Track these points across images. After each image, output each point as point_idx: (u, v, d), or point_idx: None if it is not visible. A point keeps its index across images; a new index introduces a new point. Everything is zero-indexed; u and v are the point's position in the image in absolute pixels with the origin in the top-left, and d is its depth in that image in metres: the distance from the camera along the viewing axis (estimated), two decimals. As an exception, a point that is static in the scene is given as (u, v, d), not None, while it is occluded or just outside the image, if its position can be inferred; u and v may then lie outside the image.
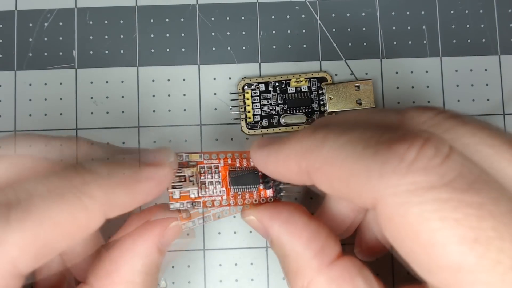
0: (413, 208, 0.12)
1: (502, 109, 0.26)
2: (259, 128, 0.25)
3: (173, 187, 0.17)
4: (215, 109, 0.25)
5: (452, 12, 0.26)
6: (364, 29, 0.26)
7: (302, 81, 0.25)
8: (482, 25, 0.26)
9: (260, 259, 0.24)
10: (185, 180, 0.17)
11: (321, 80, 0.25)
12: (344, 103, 0.25)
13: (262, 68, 0.26)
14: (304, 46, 0.26)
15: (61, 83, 0.25)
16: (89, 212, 0.14)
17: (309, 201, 0.25)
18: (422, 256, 0.12)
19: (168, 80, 0.26)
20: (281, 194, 0.19)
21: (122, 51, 0.26)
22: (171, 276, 0.24)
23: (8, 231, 0.13)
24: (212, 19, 0.26)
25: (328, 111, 0.25)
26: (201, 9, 0.26)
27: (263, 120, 0.25)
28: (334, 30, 0.26)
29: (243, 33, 0.26)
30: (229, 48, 0.26)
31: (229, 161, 0.18)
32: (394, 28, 0.26)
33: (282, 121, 0.25)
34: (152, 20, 0.26)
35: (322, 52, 0.26)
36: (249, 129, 0.25)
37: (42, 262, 0.14)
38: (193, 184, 0.17)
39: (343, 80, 0.26)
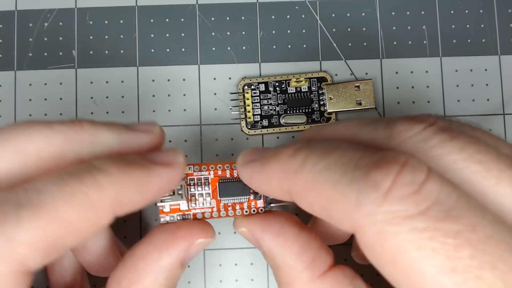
0: (390, 238, 0.12)
1: (502, 109, 0.26)
2: (259, 128, 0.25)
3: (161, 201, 0.17)
4: (215, 109, 0.25)
5: (452, 12, 0.26)
6: (364, 29, 0.26)
7: (302, 81, 0.25)
8: (482, 25, 0.26)
9: (260, 259, 0.24)
10: (173, 194, 0.17)
11: (321, 80, 0.25)
12: (344, 103, 0.25)
13: (262, 68, 0.26)
14: (304, 46, 0.26)
15: (61, 83, 0.25)
16: (98, 210, 0.14)
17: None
18: (402, 282, 0.12)
19: (168, 80, 0.26)
20: (272, 205, 0.18)
21: (122, 51, 0.26)
22: (171, 276, 0.24)
23: (19, 230, 0.13)
24: (212, 19, 0.26)
25: (328, 111, 0.25)
26: (201, 9, 0.26)
27: (263, 120, 0.25)
28: (334, 30, 0.26)
29: (243, 33, 0.26)
30: (229, 48, 0.26)
31: (219, 173, 0.18)
32: (394, 28, 0.26)
33: (282, 121, 0.25)
34: (152, 20, 0.26)
35: (322, 52, 0.26)
36: (249, 129, 0.25)
37: (51, 259, 0.14)
38: (182, 197, 0.17)
39: (343, 80, 0.26)
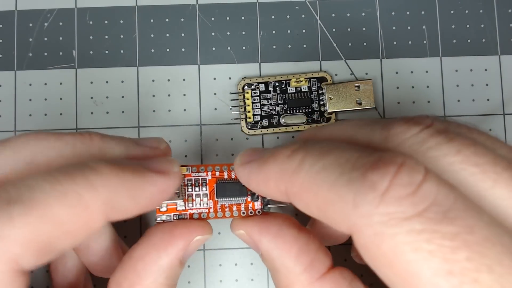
0: (387, 239, 0.12)
1: (502, 109, 0.26)
2: (259, 128, 0.25)
3: None
4: (215, 109, 0.25)
5: (452, 12, 0.26)
6: (364, 29, 0.26)
7: (302, 81, 0.25)
8: (482, 25, 0.26)
9: (260, 259, 0.24)
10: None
11: (321, 80, 0.25)
12: (344, 103, 0.25)
13: (262, 68, 0.26)
14: (304, 46, 0.26)
15: (61, 83, 0.25)
16: (90, 211, 0.14)
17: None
18: (399, 284, 0.12)
19: (168, 80, 0.26)
20: (269, 206, 0.18)
21: (122, 51, 0.26)
22: (171, 276, 0.24)
23: (10, 227, 0.13)
24: (212, 19, 0.26)
25: (328, 111, 0.25)
26: (201, 9, 0.26)
27: (263, 120, 0.25)
28: (334, 30, 0.26)
29: (243, 33, 0.26)
30: (229, 48, 0.26)
31: (217, 174, 0.18)
32: (394, 28, 0.26)
33: (282, 121, 0.25)
34: (152, 20, 0.26)
35: (322, 52, 0.26)
36: (249, 129, 0.25)
37: (45, 260, 0.14)
38: (178, 197, 0.17)
39: (343, 80, 0.26)
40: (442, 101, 0.26)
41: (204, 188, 0.18)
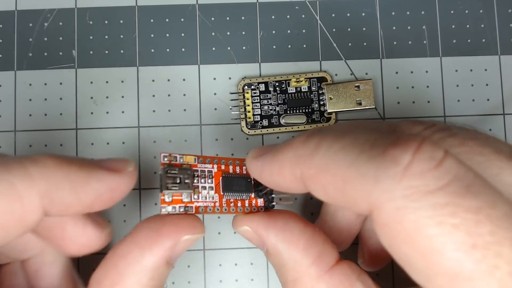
0: (409, 214, 0.12)
1: (502, 109, 0.26)
2: (259, 128, 0.25)
3: (167, 188, 0.16)
4: (215, 109, 0.25)
5: (452, 12, 0.26)
6: (364, 29, 0.26)
7: (302, 81, 0.25)
8: (482, 25, 0.26)
9: (260, 259, 0.24)
10: (180, 182, 0.17)
11: (321, 80, 0.25)
12: (344, 103, 0.25)
13: (262, 68, 0.26)
14: (304, 46, 0.26)
15: (61, 83, 0.25)
16: (24, 203, 0.14)
17: (309, 202, 0.25)
18: (419, 262, 0.12)
19: (168, 80, 0.26)
20: (273, 203, 0.18)
21: (122, 51, 0.26)
22: (171, 276, 0.24)
23: None
24: (212, 19, 0.26)
25: (328, 111, 0.25)
26: (201, 9, 0.26)
27: (263, 120, 0.25)
28: (334, 30, 0.26)
29: (243, 33, 0.26)
30: (229, 48, 0.26)
31: (223, 167, 0.18)
32: (394, 28, 0.26)
33: (282, 121, 0.25)
34: (152, 20, 0.26)
35: (322, 52, 0.26)
36: (249, 129, 0.25)
37: None
38: (189, 187, 0.17)
39: (343, 80, 0.26)
40: (442, 101, 0.26)
41: (209, 181, 0.18)
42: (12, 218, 0.14)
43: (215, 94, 0.25)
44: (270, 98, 0.25)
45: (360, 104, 0.25)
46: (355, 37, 0.26)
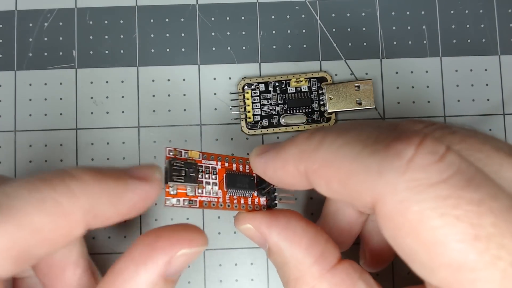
0: (413, 206, 0.12)
1: (502, 109, 0.26)
2: (259, 128, 0.25)
3: (172, 180, 0.16)
4: (215, 109, 0.25)
5: (452, 12, 0.26)
6: (364, 29, 0.26)
7: (302, 81, 0.25)
8: (482, 25, 0.26)
9: (260, 259, 0.24)
10: (185, 175, 0.17)
11: (321, 80, 0.25)
12: (344, 103, 0.25)
13: (262, 68, 0.26)
14: (304, 46, 0.26)
15: (61, 83, 0.25)
16: (70, 219, 0.14)
17: (309, 201, 0.25)
18: (422, 255, 0.12)
19: (168, 80, 0.26)
20: (275, 202, 0.18)
21: (122, 51, 0.26)
22: (171, 276, 0.24)
23: None
24: (212, 19, 0.26)
25: (328, 111, 0.25)
26: (201, 9, 0.26)
27: (263, 120, 0.25)
28: (334, 30, 0.26)
29: (243, 33, 0.26)
30: (229, 48, 0.26)
31: (226, 165, 0.18)
32: (394, 28, 0.26)
33: (282, 121, 0.25)
34: (152, 20, 0.26)
35: (322, 52, 0.26)
36: (249, 129, 0.25)
37: (22, 268, 0.14)
38: (194, 180, 0.17)
39: (343, 80, 0.26)
40: (442, 101, 0.26)
41: (213, 177, 0.18)
42: (58, 233, 0.14)
43: (215, 94, 0.25)
44: (270, 98, 0.25)
45: (360, 104, 0.25)
46: (355, 37, 0.26)
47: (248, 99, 0.25)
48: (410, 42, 0.26)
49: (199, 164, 0.18)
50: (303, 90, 0.25)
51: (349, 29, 0.26)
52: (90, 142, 0.25)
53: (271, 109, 0.25)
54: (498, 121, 0.25)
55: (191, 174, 0.17)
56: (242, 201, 0.18)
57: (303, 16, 0.26)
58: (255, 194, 0.18)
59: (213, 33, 0.26)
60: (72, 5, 0.26)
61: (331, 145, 0.14)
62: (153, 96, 0.25)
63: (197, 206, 0.17)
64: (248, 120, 0.25)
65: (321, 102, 0.25)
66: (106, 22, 0.26)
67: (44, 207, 0.14)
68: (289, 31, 0.26)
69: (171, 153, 0.17)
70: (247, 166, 0.19)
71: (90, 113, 0.25)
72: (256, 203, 0.18)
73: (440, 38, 0.26)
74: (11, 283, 0.19)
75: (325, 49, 0.26)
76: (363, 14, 0.26)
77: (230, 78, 0.26)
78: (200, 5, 0.26)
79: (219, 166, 0.18)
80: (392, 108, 0.26)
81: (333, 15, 0.26)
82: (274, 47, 0.26)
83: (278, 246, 0.17)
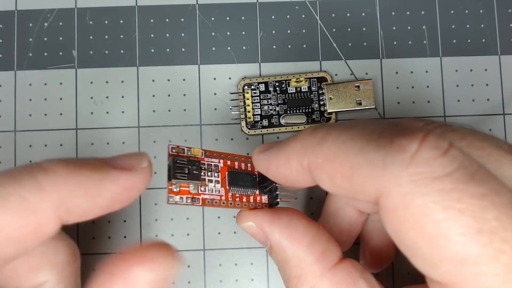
0: (416, 199, 0.12)
1: (502, 109, 0.26)
2: (259, 128, 0.25)
3: (176, 178, 0.16)
4: (215, 109, 0.25)
5: (452, 12, 0.26)
6: (364, 29, 0.26)
7: (302, 81, 0.25)
8: (482, 25, 0.26)
9: (260, 259, 0.24)
10: (188, 172, 0.17)
11: (321, 80, 0.25)
12: (344, 103, 0.25)
13: (262, 68, 0.26)
14: (304, 46, 0.26)
15: (61, 83, 0.25)
16: (38, 215, 0.13)
17: (309, 201, 0.25)
18: (425, 248, 0.12)
19: (168, 80, 0.26)
20: (277, 200, 0.18)
21: (122, 51, 0.26)
22: (171, 276, 0.24)
23: None
24: (212, 19, 0.26)
25: (328, 111, 0.25)
26: (201, 9, 0.26)
27: (263, 120, 0.25)
28: (334, 30, 0.26)
29: (243, 33, 0.26)
30: (229, 48, 0.26)
31: (229, 163, 0.18)
32: (394, 28, 0.26)
33: (282, 121, 0.25)
34: (152, 20, 0.26)
35: (322, 52, 0.26)
36: (249, 129, 0.25)
37: None
38: (197, 178, 0.17)
39: (343, 80, 0.26)
40: (442, 101, 0.26)
41: (216, 174, 0.18)
42: (27, 231, 0.13)
43: (215, 94, 0.25)
44: (270, 98, 0.25)
45: (360, 104, 0.25)
46: (355, 37, 0.26)
47: (248, 99, 0.25)
48: (410, 42, 0.26)
49: (201, 161, 0.18)
50: (303, 90, 0.25)
51: (349, 29, 0.26)
52: (90, 142, 0.25)
53: (271, 109, 0.25)
54: (498, 121, 0.25)
55: (194, 172, 0.17)
56: (244, 199, 0.18)
57: (303, 16, 0.26)
58: (257, 192, 0.18)
59: (213, 33, 0.26)
60: (72, 5, 0.26)
61: (335, 140, 0.14)
62: (153, 96, 0.25)
63: (200, 203, 0.17)
64: (248, 120, 0.25)
65: (321, 102, 0.25)
66: (106, 22, 0.26)
67: (7, 203, 0.13)
68: (289, 31, 0.26)
69: (174, 151, 0.17)
70: (249, 164, 0.19)
71: (90, 113, 0.25)
72: (258, 201, 0.18)
73: (440, 38, 0.26)
74: None
75: (325, 49, 0.26)
76: (363, 14, 0.26)
77: (230, 78, 0.26)
78: (200, 5, 0.26)
79: (221, 164, 0.18)
80: (392, 108, 0.26)
81: (333, 15, 0.26)
82: (274, 47, 0.26)
83: (279, 244, 0.17)
